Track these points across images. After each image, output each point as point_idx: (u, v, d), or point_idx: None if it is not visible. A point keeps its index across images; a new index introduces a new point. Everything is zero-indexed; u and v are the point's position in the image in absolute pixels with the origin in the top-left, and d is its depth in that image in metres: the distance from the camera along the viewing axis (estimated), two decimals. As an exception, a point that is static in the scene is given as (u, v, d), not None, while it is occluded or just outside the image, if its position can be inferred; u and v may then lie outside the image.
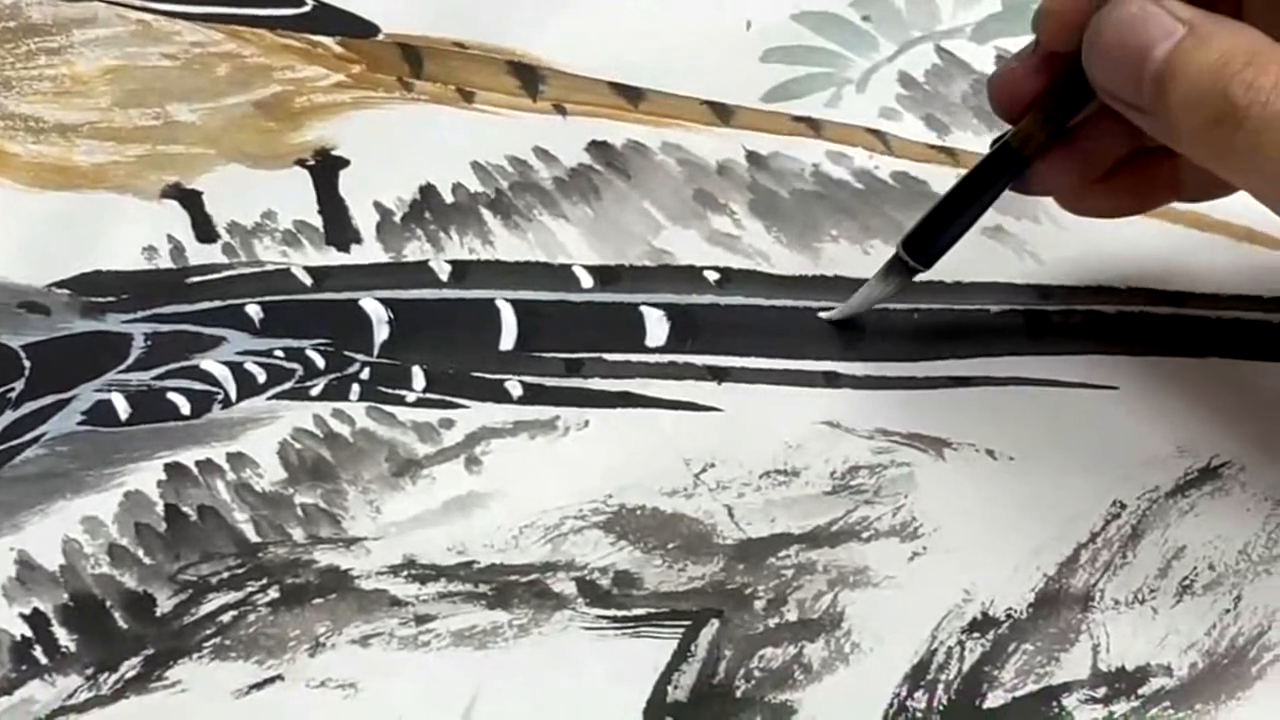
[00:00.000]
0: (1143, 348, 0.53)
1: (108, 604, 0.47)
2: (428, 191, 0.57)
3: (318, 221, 0.56)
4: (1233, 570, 0.48)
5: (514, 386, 0.52)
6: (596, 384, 0.52)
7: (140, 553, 0.48)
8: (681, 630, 0.46)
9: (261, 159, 0.58)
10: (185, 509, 0.48)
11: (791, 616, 0.47)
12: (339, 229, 0.56)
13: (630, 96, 0.60)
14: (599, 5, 0.63)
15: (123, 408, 0.51)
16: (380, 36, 0.62)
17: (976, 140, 0.58)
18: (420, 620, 0.46)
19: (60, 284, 0.54)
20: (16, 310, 0.53)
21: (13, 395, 0.51)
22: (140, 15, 0.62)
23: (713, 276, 0.55)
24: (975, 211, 0.50)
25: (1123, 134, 0.48)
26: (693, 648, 0.46)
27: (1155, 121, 0.44)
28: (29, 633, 0.46)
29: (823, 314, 0.53)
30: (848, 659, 0.46)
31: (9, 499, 0.49)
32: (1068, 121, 0.48)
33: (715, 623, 0.46)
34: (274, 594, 0.47)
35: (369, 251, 0.55)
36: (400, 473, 0.49)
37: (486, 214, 0.56)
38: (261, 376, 0.52)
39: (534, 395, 0.51)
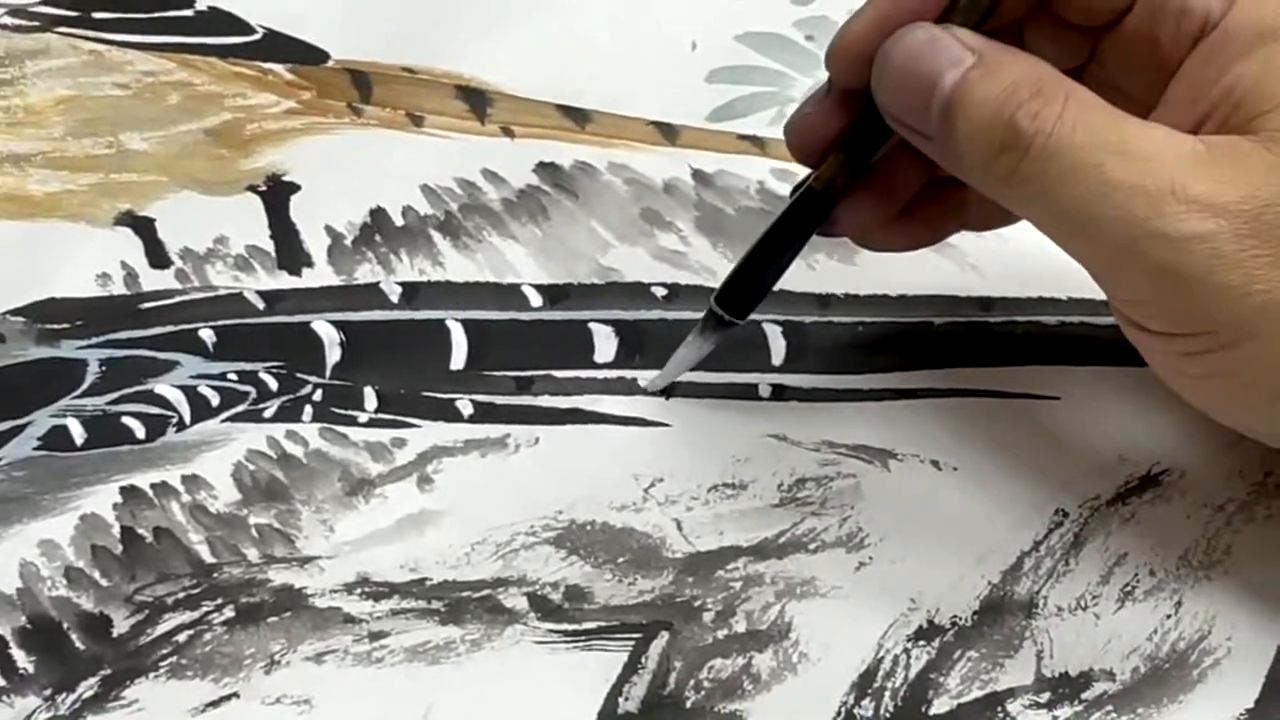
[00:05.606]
0: (1084, 357, 0.53)
1: (65, 626, 0.47)
2: (378, 215, 0.57)
3: (269, 246, 0.56)
4: (1173, 576, 0.48)
5: (465, 405, 0.52)
6: (546, 401, 0.52)
7: (97, 575, 0.48)
8: (632, 643, 0.47)
9: (213, 185, 0.58)
10: (141, 531, 0.49)
11: (740, 628, 0.47)
12: (290, 253, 0.56)
13: (577, 118, 0.61)
14: (546, 29, 0.63)
15: (78, 432, 0.51)
16: (330, 63, 0.62)
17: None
18: (374, 637, 0.47)
19: (15, 311, 0.54)
20: (-29, 339, 0.54)
21: (-32, 422, 0.52)
22: (93, 46, 0.62)
23: (660, 292, 0.55)
24: (785, 260, 0.49)
25: (919, 167, 0.48)
26: (643, 660, 0.46)
27: (943, 150, 0.43)
28: (-14, 656, 0.46)
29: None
30: (795, 669, 0.46)
31: (-35, 524, 0.49)
32: (869, 159, 0.47)
33: (665, 635, 0.47)
34: (229, 613, 0.47)
35: (320, 275, 0.56)
36: (353, 492, 0.50)
37: (436, 236, 0.57)
38: (215, 399, 0.52)
39: (485, 413, 0.52)
